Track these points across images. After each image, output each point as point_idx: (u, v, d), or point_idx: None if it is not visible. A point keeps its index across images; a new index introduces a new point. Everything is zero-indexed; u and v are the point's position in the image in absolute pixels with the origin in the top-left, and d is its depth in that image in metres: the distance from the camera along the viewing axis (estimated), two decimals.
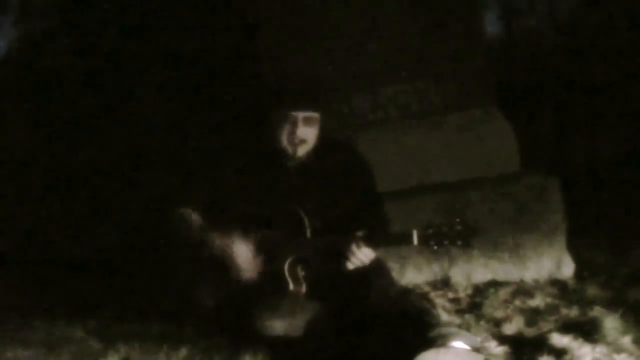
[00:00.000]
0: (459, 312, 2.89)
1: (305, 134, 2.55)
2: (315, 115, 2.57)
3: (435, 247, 2.32)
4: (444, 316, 2.79)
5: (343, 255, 2.41)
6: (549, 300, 2.98)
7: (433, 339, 2.19)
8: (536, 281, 3.22)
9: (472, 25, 3.58)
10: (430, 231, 2.32)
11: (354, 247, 2.39)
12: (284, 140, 2.56)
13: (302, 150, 2.57)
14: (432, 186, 3.36)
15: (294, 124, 2.54)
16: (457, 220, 2.32)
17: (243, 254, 2.52)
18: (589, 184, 4.34)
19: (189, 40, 4.46)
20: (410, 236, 2.34)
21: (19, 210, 4.09)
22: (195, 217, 2.59)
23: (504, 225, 3.25)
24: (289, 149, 2.57)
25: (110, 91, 4.55)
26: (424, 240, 2.32)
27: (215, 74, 4.28)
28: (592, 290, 3.02)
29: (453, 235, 2.30)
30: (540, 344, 2.43)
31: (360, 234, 2.41)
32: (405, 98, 3.51)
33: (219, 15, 4.30)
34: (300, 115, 2.54)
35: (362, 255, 2.40)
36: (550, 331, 2.58)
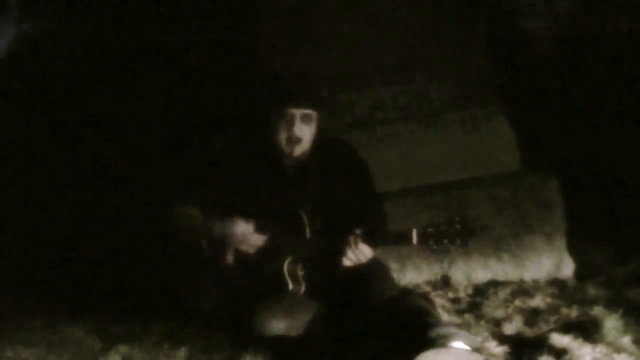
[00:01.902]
0: (459, 312, 2.89)
1: (302, 132, 2.55)
2: (312, 113, 2.57)
3: (435, 247, 2.32)
4: (444, 316, 2.79)
5: (342, 253, 2.41)
6: (549, 300, 2.98)
7: (433, 339, 2.19)
8: (536, 281, 3.22)
9: (472, 24, 3.58)
10: (430, 230, 2.32)
11: (352, 245, 2.39)
12: (281, 138, 2.55)
13: (298, 150, 2.57)
14: (432, 186, 3.36)
15: (291, 122, 2.54)
16: (456, 219, 2.32)
17: (246, 235, 2.52)
18: (589, 184, 4.32)
19: (188, 38, 4.46)
20: (410, 235, 2.34)
21: (18, 209, 4.09)
22: (195, 213, 2.59)
23: (504, 225, 3.26)
24: (286, 148, 2.57)
25: (109, 90, 4.55)
26: (423, 239, 2.33)
27: (213, 72, 4.28)
28: (592, 290, 3.02)
29: (452, 234, 2.30)
30: (540, 344, 2.43)
31: (359, 232, 2.42)
32: (405, 98, 3.51)
33: (218, 13, 4.30)
34: (298, 112, 2.54)
35: (360, 254, 2.40)
36: (550, 331, 2.58)
